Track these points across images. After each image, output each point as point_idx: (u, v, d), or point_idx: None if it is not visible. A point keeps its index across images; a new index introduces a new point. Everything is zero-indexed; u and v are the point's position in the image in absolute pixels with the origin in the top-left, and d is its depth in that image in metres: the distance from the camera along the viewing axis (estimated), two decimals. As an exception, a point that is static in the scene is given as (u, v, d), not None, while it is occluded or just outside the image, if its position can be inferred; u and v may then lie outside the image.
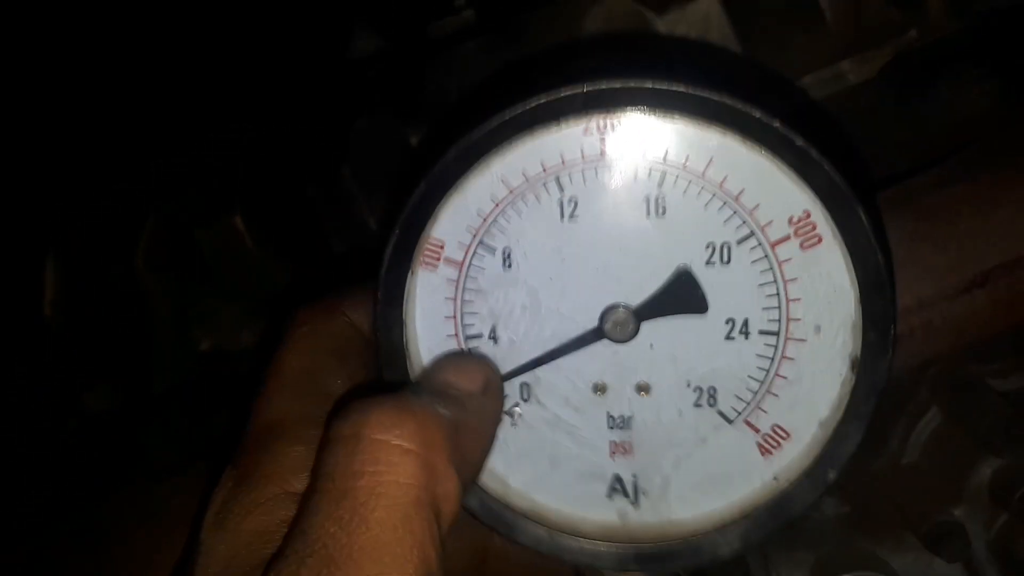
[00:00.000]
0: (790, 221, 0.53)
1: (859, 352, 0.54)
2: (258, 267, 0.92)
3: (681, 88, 0.50)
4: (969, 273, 0.68)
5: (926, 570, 0.78)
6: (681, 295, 0.55)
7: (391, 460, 0.43)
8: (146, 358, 0.96)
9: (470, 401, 0.51)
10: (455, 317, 0.57)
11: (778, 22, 0.81)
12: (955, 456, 0.75)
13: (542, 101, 0.51)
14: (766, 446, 0.57)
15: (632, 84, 0.50)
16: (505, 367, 0.57)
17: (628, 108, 0.52)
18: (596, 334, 0.56)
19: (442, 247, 0.56)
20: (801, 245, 0.53)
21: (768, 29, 0.82)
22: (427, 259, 0.56)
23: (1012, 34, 0.76)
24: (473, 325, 0.57)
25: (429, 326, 0.57)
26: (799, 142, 0.50)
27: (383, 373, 0.57)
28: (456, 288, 0.57)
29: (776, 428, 0.57)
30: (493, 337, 0.57)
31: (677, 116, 0.51)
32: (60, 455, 0.96)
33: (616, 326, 0.55)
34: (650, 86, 0.50)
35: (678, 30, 0.82)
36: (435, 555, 0.43)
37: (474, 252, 0.56)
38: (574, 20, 0.83)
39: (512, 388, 0.58)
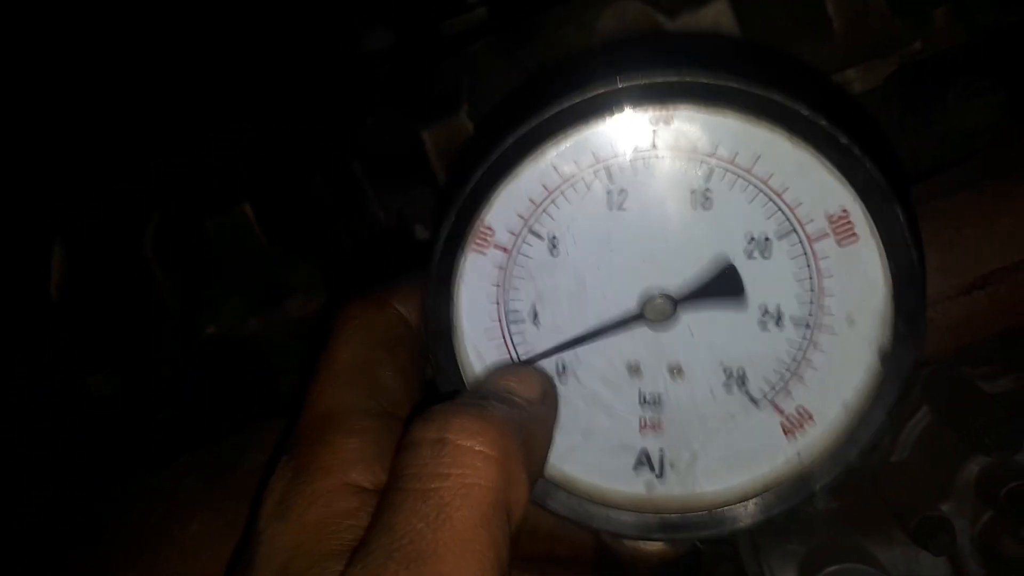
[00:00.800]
0: (829, 219, 0.55)
1: (889, 343, 0.57)
2: (266, 257, 0.93)
3: (734, 84, 0.52)
4: (971, 275, 0.71)
5: (912, 564, 0.82)
6: (722, 288, 0.57)
7: (475, 464, 0.46)
8: (152, 344, 0.96)
9: (532, 409, 0.54)
10: (499, 301, 0.59)
11: (786, 29, 0.83)
12: (944, 454, 0.79)
13: (600, 92, 0.52)
14: (790, 427, 0.60)
15: (688, 78, 0.52)
16: (547, 347, 0.59)
17: (682, 102, 0.53)
18: (635, 318, 0.58)
19: (493, 232, 0.57)
20: (838, 242, 0.56)
21: (777, 35, 0.83)
22: (477, 244, 0.57)
23: (1017, 48, 0.79)
24: (517, 310, 0.59)
25: (474, 308, 0.59)
26: (843, 139, 0.53)
27: (430, 354, 0.58)
28: (503, 273, 0.58)
29: (801, 410, 0.60)
30: (536, 321, 0.59)
31: (729, 112, 0.53)
32: (66, 438, 0.96)
33: (656, 312, 0.58)
34: (705, 81, 0.52)
35: (689, 33, 0.83)
36: (507, 554, 0.46)
37: (523, 238, 0.57)
38: (587, 22, 0.84)
39: (549, 367, 0.60)
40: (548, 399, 0.57)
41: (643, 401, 0.61)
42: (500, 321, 0.59)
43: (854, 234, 0.56)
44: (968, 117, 0.77)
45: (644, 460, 0.62)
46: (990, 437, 0.71)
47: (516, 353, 0.60)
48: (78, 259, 0.96)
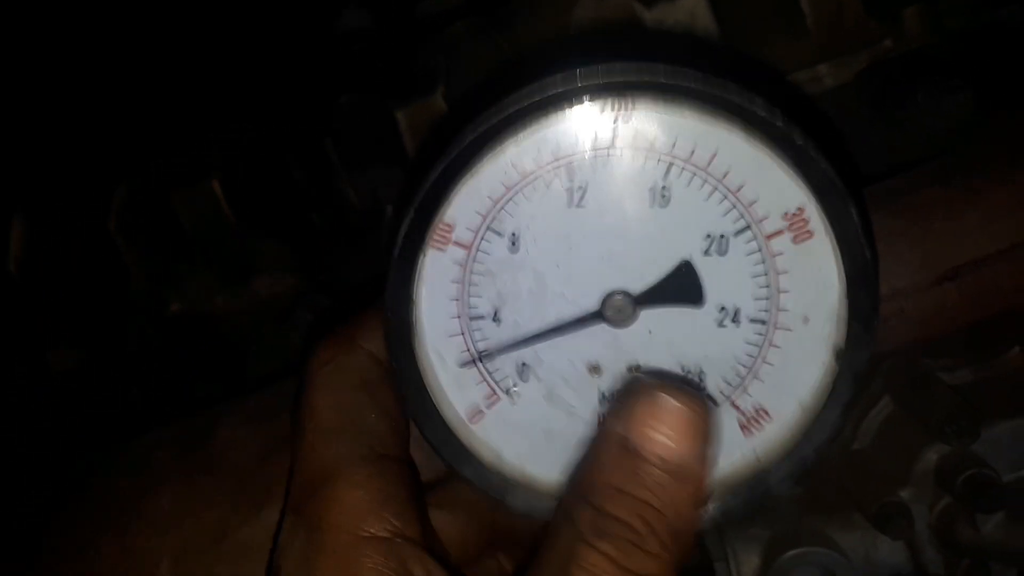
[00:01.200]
0: (784, 216, 0.56)
1: (843, 342, 0.57)
2: (234, 235, 0.92)
3: (692, 82, 0.53)
4: (941, 268, 0.72)
5: (870, 548, 0.84)
6: (680, 287, 0.57)
7: None
8: (115, 319, 0.95)
9: None
10: (460, 298, 0.59)
11: (761, 22, 0.85)
12: (904, 443, 0.81)
13: (559, 89, 0.53)
14: (748, 424, 0.61)
15: (647, 76, 0.52)
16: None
17: (641, 99, 0.53)
18: (595, 317, 0.58)
19: (452, 229, 0.57)
20: (793, 239, 0.56)
21: (751, 28, 0.85)
22: (437, 241, 0.57)
23: (984, 51, 0.81)
24: (477, 307, 0.59)
25: (435, 305, 0.59)
26: (798, 138, 0.53)
27: (390, 353, 0.58)
28: (463, 270, 0.58)
29: (759, 410, 0.60)
30: (496, 319, 0.59)
31: (687, 109, 0.54)
32: (25, 413, 0.94)
33: (615, 311, 0.58)
34: (663, 79, 0.53)
35: (664, 23, 0.84)
36: None
37: (482, 235, 0.57)
38: (564, 8, 0.85)
39: (510, 367, 0.60)
40: None
41: (603, 401, 0.61)
42: (460, 318, 0.59)
43: (809, 231, 0.56)
44: (937, 116, 0.79)
45: None
46: (949, 426, 0.73)
47: (476, 350, 0.60)
48: (40, 233, 0.95)
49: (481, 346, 0.60)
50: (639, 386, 0.53)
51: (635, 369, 0.60)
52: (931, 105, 0.78)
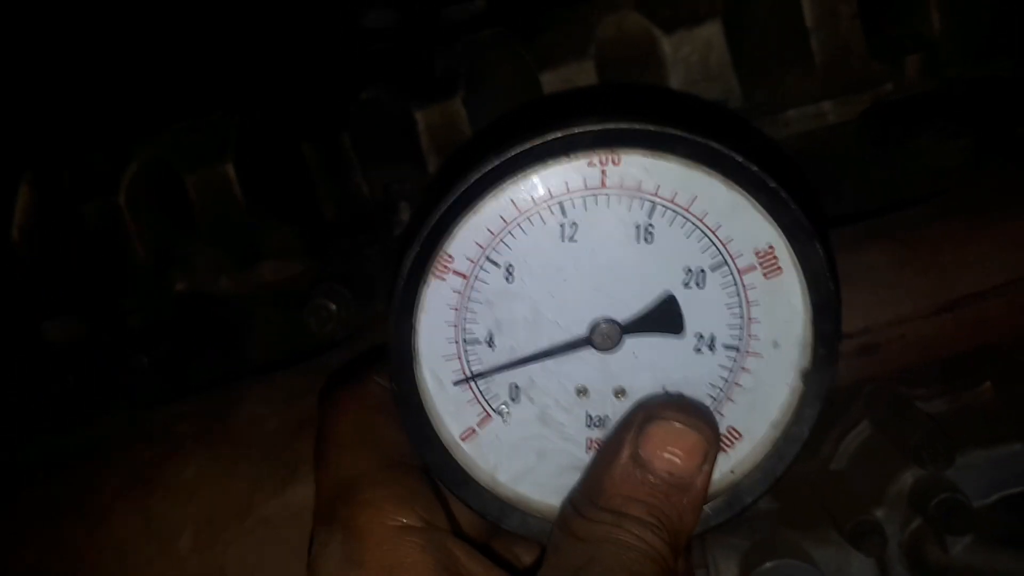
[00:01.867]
0: (756, 253, 0.62)
1: (809, 365, 0.63)
2: (244, 218, 0.93)
3: (677, 132, 0.58)
4: (942, 298, 0.78)
5: (843, 563, 0.89)
6: (664, 317, 0.62)
7: None
8: (116, 294, 0.95)
9: None
10: (457, 324, 0.63)
11: (772, 56, 0.91)
12: (879, 465, 0.86)
13: (558, 136, 0.58)
14: (723, 444, 0.66)
15: (637, 126, 0.58)
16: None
17: (630, 147, 0.59)
18: (582, 343, 0.63)
19: (452, 260, 0.61)
20: (764, 274, 0.62)
21: (762, 61, 0.91)
22: (438, 270, 0.61)
23: (983, 99, 0.88)
24: (472, 332, 0.63)
25: (434, 330, 0.63)
26: (771, 183, 0.59)
27: (392, 377, 0.62)
28: (461, 297, 0.62)
29: (731, 429, 0.65)
30: (490, 343, 0.63)
31: (671, 156, 0.59)
32: (16, 381, 0.94)
33: (602, 337, 0.63)
34: (651, 128, 0.58)
35: (681, 50, 0.91)
36: None
37: (480, 265, 0.62)
38: (587, 27, 0.90)
39: (502, 389, 0.64)
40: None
41: (590, 423, 0.65)
42: (457, 343, 0.63)
43: (779, 268, 0.62)
44: (939, 157, 0.85)
45: None
46: (926, 451, 0.78)
47: (470, 371, 0.64)
48: (47, 202, 0.95)
49: (475, 368, 0.64)
50: (654, 409, 0.59)
51: (621, 392, 0.64)
52: (934, 146, 0.84)
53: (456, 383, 0.64)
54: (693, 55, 0.93)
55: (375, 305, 0.90)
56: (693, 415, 0.59)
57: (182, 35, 0.99)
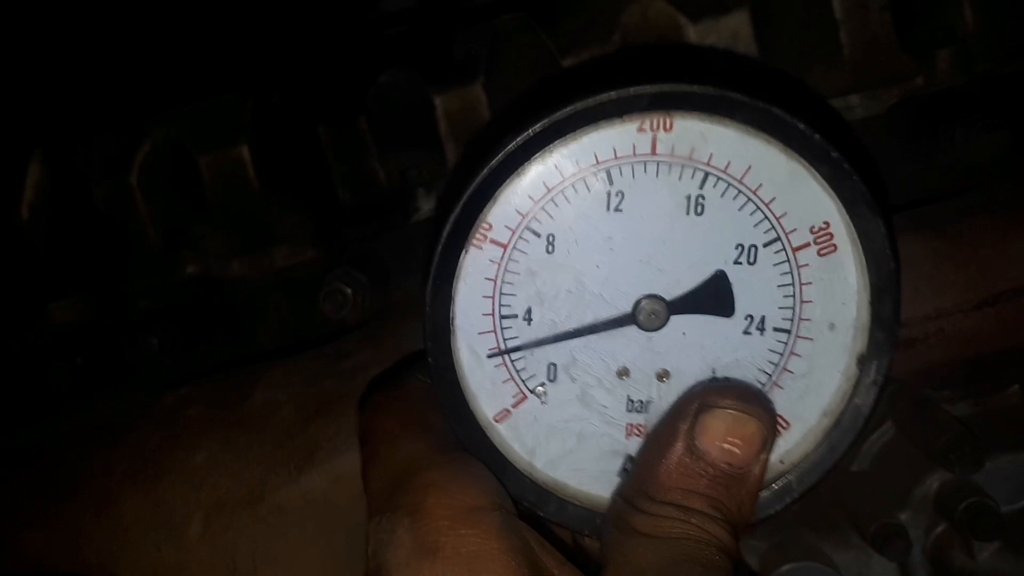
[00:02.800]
0: (811, 230, 0.58)
1: (865, 350, 0.60)
2: (258, 202, 0.90)
3: (739, 96, 0.55)
4: (984, 293, 0.75)
5: (864, 568, 0.86)
6: (713, 296, 0.59)
7: None
8: (125, 276, 0.92)
9: None
10: (493, 296, 0.59)
11: (799, 47, 0.88)
12: (903, 467, 0.82)
13: (612, 97, 0.54)
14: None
15: (696, 89, 0.54)
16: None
17: (685, 111, 0.55)
18: (626, 320, 0.59)
19: (491, 228, 0.58)
20: (818, 252, 0.59)
21: (789, 52, 0.88)
22: (477, 239, 0.58)
23: (1015, 93, 0.86)
24: (509, 305, 0.60)
25: (469, 303, 0.59)
26: (834, 153, 0.56)
27: (427, 349, 0.58)
28: (498, 269, 0.59)
29: (779, 418, 0.62)
30: (528, 317, 0.60)
31: (729, 122, 0.56)
32: (23, 362, 0.90)
33: (648, 315, 0.59)
34: (712, 92, 0.55)
35: (707, 40, 0.87)
36: None
37: (519, 234, 0.58)
38: (611, 13, 0.87)
39: (540, 368, 0.61)
40: None
41: (630, 407, 0.62)
42: (493, 316, 0.60)
43: (834, 245, 0.59)
44: (974, 151, 0.82)
45: (628, 467, 0.63)
46: (954, 454, 0.75)
47: (505, 346, 0.60)
48: (57, 180, 0.91)
49: (511, 343, 0.60)
50: (709, 397, 0.56)
51: (664, 375, 0.61)
52: (968, 141, 0.81)
53: (490, 355, 0.60)
54: (719, 45, 0.90)
55: (390, 291, 0.86)
56: (751, 401, 0.56)
57: (199, 14, 0.97)
